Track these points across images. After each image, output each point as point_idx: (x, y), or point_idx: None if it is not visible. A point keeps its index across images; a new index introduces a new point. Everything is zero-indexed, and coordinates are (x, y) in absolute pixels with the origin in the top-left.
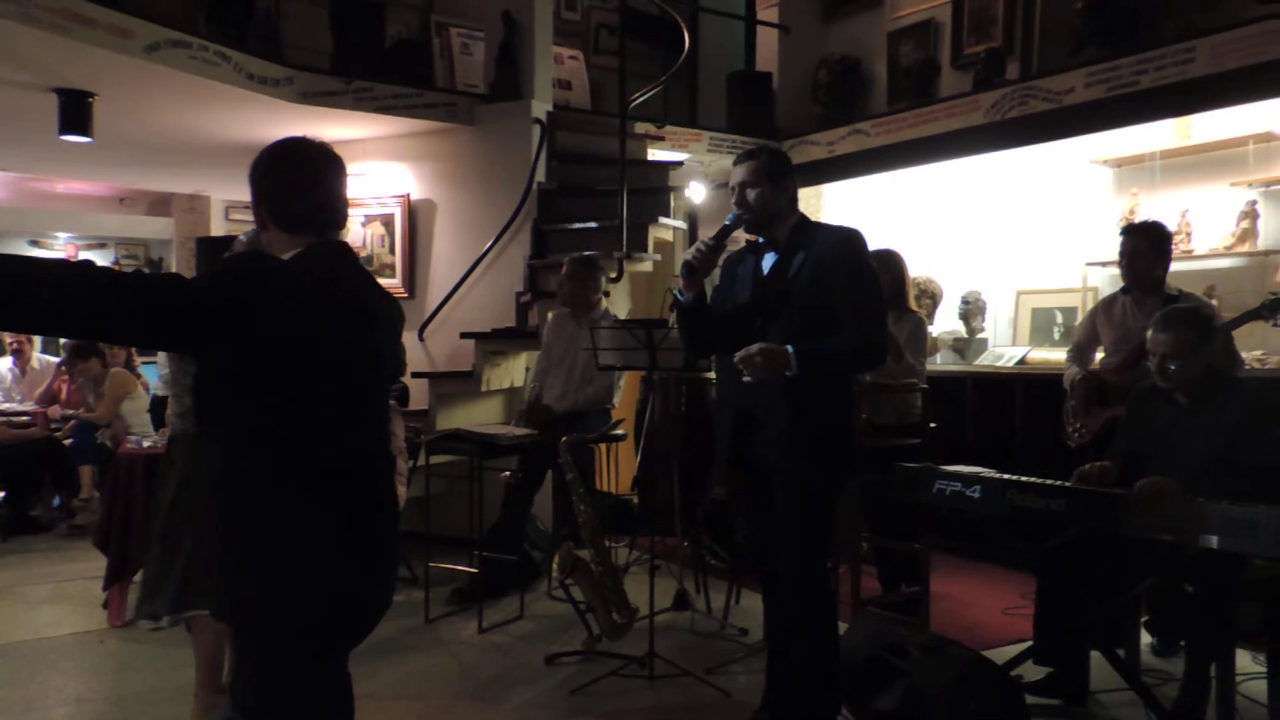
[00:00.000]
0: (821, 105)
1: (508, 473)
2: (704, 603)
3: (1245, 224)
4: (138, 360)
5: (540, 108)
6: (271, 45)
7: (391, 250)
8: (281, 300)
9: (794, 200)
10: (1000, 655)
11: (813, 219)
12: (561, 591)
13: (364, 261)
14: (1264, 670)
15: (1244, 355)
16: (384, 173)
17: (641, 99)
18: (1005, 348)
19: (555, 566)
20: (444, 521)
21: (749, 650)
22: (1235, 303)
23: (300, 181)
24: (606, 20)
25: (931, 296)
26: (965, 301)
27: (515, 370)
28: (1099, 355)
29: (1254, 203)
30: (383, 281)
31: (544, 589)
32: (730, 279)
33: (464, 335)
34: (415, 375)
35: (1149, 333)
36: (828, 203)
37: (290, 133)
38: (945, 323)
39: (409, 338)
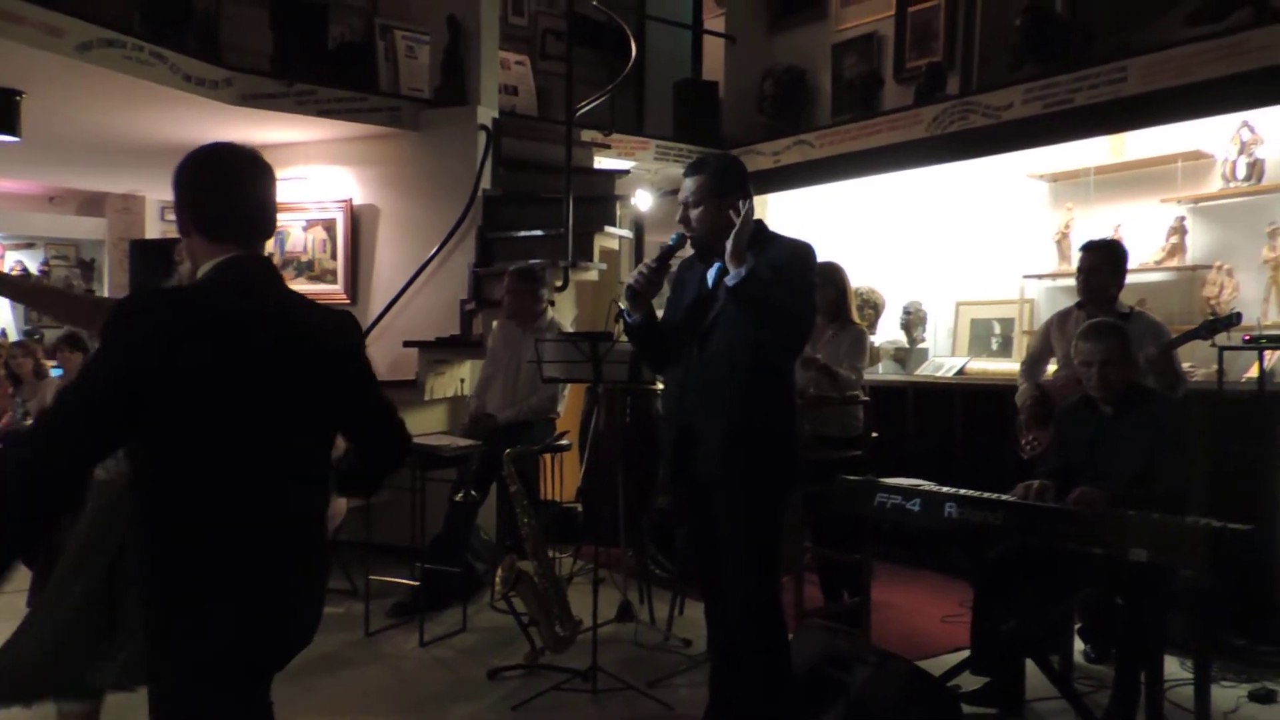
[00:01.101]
0: (767, 115)
1: (461, 495)
2: (648, 614)
3: (1174, 239)
4: (47, 364)
5: (486, 113)
6: (210, 46)
7: (333, 256)
8: (189, 342)
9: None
10: (939, 665)
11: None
12: (504, 604)
13: (304, 266)
14: (1191, 677)
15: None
16: (326, 177)
17: (589, 107)
18: (945, 358)
19: (498, 579)
20: (385, 532)
21: (692, 662)
22: (1164, 316)
23: (226, 188)
24: (554, 26)
25: (874, 307)
26: (906, 312)
27: (459, 379)
28: (1051, 368)
29: (1183, 219)
30: (323, 288)
31: (487, 601)
32: (680, 287)
33: (407, 344)
34: None
35: (1077, 344)
36: (773, 213)
37: (230, 135)
38: (887, 333)
39: None
